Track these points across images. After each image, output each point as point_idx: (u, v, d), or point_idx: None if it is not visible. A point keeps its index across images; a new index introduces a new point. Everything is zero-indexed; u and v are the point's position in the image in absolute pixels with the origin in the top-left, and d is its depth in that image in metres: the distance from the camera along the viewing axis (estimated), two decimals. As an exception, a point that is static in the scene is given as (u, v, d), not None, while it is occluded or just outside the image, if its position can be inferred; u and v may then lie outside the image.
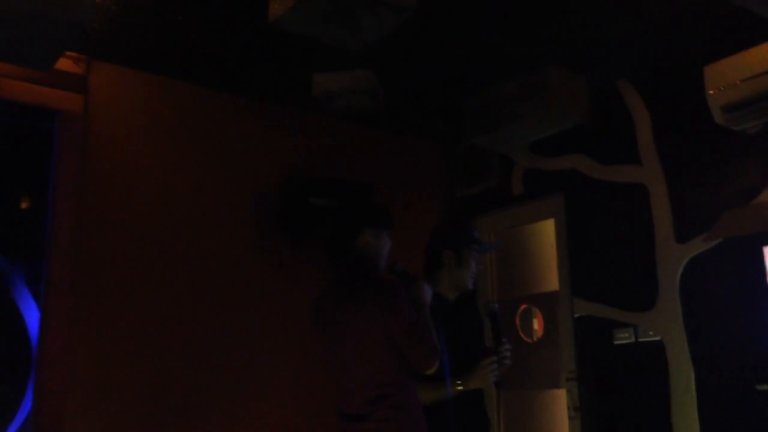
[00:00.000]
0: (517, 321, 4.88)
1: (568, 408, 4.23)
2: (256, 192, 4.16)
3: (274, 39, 3.53)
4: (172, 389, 3.71)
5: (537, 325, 5.01)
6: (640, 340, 3.93)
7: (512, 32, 3.58)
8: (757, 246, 3.42)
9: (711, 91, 3.50)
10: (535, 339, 4.85)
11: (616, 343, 4.03)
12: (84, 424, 3.44)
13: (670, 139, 3.94)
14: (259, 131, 4.24)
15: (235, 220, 4.08)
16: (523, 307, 4.96)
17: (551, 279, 4.63)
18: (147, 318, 3.70)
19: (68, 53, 3.55)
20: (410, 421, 2.50)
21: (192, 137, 4.02)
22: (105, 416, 3.50)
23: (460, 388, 2.66)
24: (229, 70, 3.92)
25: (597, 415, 4.08)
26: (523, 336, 4.85)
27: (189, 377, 3.77)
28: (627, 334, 3.99)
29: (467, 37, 3.62)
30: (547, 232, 4.68)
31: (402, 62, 3.86)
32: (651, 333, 3.88)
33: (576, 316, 4.24)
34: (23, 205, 4.01)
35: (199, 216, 3.97)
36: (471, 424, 2.76)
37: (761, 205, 3.50)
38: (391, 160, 4.77)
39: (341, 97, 3.65)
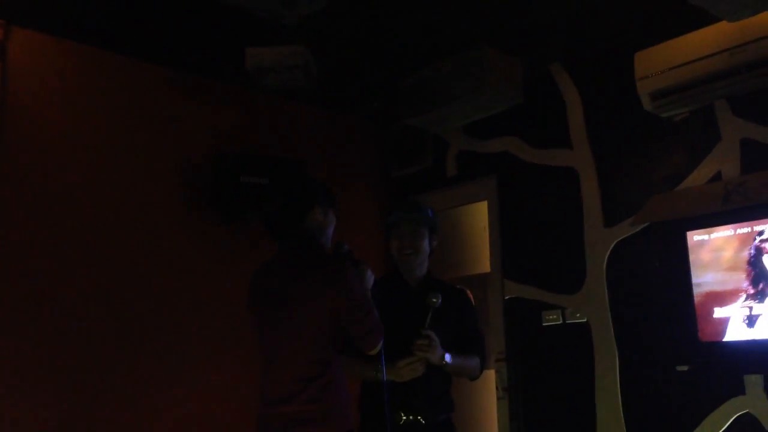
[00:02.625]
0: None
1: (497, 388, 4.29)
2: (185, 168, 4.05)
3: (206, 10, 3.42)
4: (96, 372, 3.59)
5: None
6: (567, 321, 4.00)
7: (448, 12, 3.56)
8: (681, 231, 3.50)
9: (640, 78, 3.55)
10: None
11: (544, 324, 4.09)
12: (4, 408, 3.30)
13: (601, 124, 3.99)
14: (189, 105, 4.12)
15: (163, 196, 3.96)
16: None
17: (483, 261, 4.67)
18: (68, 299, 3.56)
19: (-16, 17, 3.37)
20: (335, 402, 2.47)
21: (118, 110, 3.87)
22: (26, 401, 3.37)
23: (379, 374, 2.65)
24: (158, 41, 3.78)
25: (525, 394, 4.15)
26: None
27: (114, 360, 3.65)
28: (555, 316, 4.06)
29: (403, 15, 3.58)
30: (479, 214, 4.71)
31: (337, 38, 3.79)
32: (578, 315, 3.95)
33: (506, 297, 4.29)
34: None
35: (125, 192, 3.83)
36: (415, 403, 2.76)
37: (685, 191, 3.59)
38: (325, 139, 4.71)
39: (274, 73, 3.55)
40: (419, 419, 2.77)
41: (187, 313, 3.93)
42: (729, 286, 3.32)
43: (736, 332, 3.27)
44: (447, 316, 2.89)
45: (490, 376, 4.41)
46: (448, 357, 2.77)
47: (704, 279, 3.40)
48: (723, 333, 3.31)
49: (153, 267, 3.86)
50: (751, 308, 3.24)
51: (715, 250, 3.38)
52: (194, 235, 4.03)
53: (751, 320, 3.23)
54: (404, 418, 2.75)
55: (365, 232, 4.83)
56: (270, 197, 3.93)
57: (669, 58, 3.47)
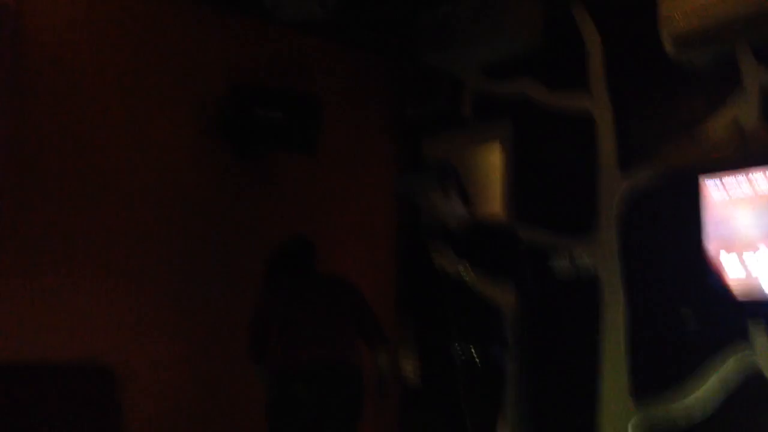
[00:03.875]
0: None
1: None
2: (200, 100, 4.04)
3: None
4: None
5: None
6: (577, 265, 4.01)
7: (470, -54, 3.49)
8: (696, 177, 3.48)
9: (664, 21, 3.48)
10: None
11: (553, 267, 4.10)
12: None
13: (620, 68, 3.92)
14: (204, 37, 4.08)
15: (176, 127, 3.96)
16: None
17: (494, 202, 4.66)
18: (81, 229, 3.61)
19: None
20: None
21: (133, 38, 3.85)
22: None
23: None
24: (173, -31, 3.73)
25: (531, 343, 4.19)
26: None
27: (122, 284, 3.71)
28: (565, 260, 4.06)
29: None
30: (492, 155, 4.69)
31: (355, -30, 3.73)
32: (588, 259, 3.95)
33: (516, 240, 4.29)
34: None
35: (138, 121, 3.84)
36: None
37: (702, 137, 3.55)
38: (340, 74, 4.67)
39: (291, 4, 3.52)
40: (471, 350, 2.98)
41: (198, 249, 3.96)
42: (742, 235, 3.31)
43: (743, 278, 3.28)
44: (480, 253, 3.07)
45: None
46: (466, 264, 3.01)
47: (716, 226, 3.39)
48: (730, 278, 3.32)
49: (166, 198, 3.89)
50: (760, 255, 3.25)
51: (731, 198, 3.37)
52: (207, 167, 4.05)
53: (758, 267, 3.24)
54: (459, 349, 2.98)
55: (379, 170, 4.84)
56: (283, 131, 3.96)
57: (694, 1, 3.39)
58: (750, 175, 3.31)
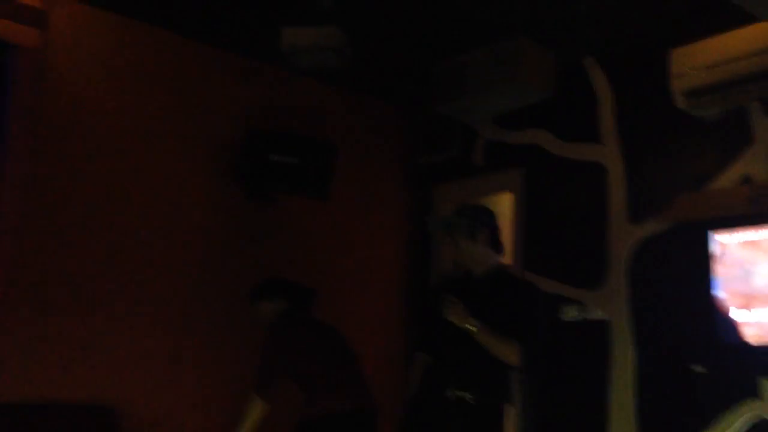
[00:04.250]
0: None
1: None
2: (215, 142, 4.11)
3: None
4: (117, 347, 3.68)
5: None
6: (586, 317, 3.99)
7: (485, 0, 3.56)
8: (705, 231, 3.48)
9: (675, 75, 3.53)
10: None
11: (563, 319, 4.09)
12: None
13: (631, 121, 3.97)
14: (222, 81, 4.17)
15: (192, 169, 4.03)
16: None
17: (505, 252, 4.66)
18: (96, 262, 3.65)
19: (28, -14, 3.44)
20: None
21: (152, 82, 3.94)
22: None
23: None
24: (195, 15, 3.83)
25: (539, 387, 4.15)
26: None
27: (132, 327, 3.73)
28: (574, 311, 4.05)
29: (440, 0, 3.58)
30: (503, 205, 4.71)
31: (371, 21, 3.81)
32: (598, 311, 3.94)
33: (526, 289, 4.28)
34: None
35: (156, 163, 3.91)
36: None
37: (711, 192, 3.57)
38: (354, 121, 4.74)
39: (308, 53, 3.59)
40: (466, 396, 2.93)
41: (211, 290, 3.99)
42: (750, 289, 3.30)
43: (754, 335, 3.26)
44: (500, 304, 3.01)
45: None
46: (477, 324, 2.89)
47: (726, 280, 3.38)
48: (741, 335, 3.30)
49: (177, 242, 3.93)
50: (772, 312, 3.23)
51: (741, 252, 3.36)
52: (221, 211, 4.09)
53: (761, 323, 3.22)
54: (455, 394, 2.94)
55: (389, 216, 4.87)
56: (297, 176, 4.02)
57: (706, 57, 3.44)
58: (760, 231, 3.31)
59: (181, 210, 3.96)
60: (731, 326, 3.33)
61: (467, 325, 2.90)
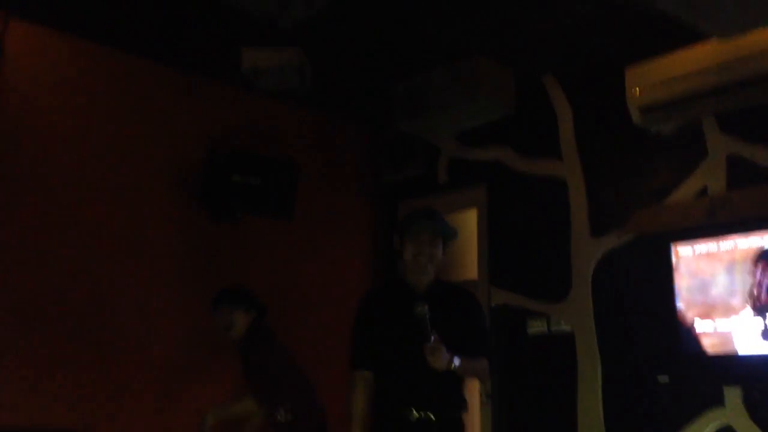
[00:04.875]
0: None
1: (481, 395, 4.31)
2: (177, 165, 4.07)
3: (203, 8, 3.44)
4: (75, 369, 3.60)
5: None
6: (552, 330, 4.03)
7: (444, 20, 3.60)
8: (666, 243, 3.54)
9: (631, 92, 3.60)
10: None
11: (529, 332, 4.12)
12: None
13: (590, 136, 4.04)
14: (183, 103, 4.14)
15: (154, 193, 3.98)
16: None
17: (471, 268, 4.69)
18: (54, 286, 3.58)
19: (-18, 8, 3.38)
20: None
21: (112, 105, 3.89)
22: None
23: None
24: (154, 38, 3.80)
25: (508, 401, 4.18)
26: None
27: (97, 356, 3.66)
28: (540, 324, 4.09)
29: (399, 21, 3.62)
30: (469, 221, 4.74)
31: (331, 42, 3.83)
32: (563, 324, 3.98)
33: (493, 305, 4.31)
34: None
35: (116, 186, 3.85)
36: None
37: (671, 205, 3.64)
38: (317, 141, 4.73)
39: (269, 74, 3.59)
40: (430, 416, 2.84)
41: (173, 312, 3.94)
42: (710, 299, 3.36)
43: (717, 344, 3.31)
44: (454, 319, 2.93)
45: (475, 382, 4.43)
46: (456, 361, 2.79)
47: (686, 291, 3.44)
48: (704, 344, 3.35)
49: (141, 263, 3.87)
50: (731, 321, 3.29)
51: (700, 263, 3.43)
52: (184, 232, 4.05)
53: (725, 332, 3.28)
54: (416, 415, 2.83)
55: (355, 235, 4.87)
56: (260, 196, 4.00)
57: (660, 74, 3.52)
58: (719, 243, 3.38)
59: (144, 231, 3.90)
60: (693, 336, 3.39)
61: (453, 366, 2.78)
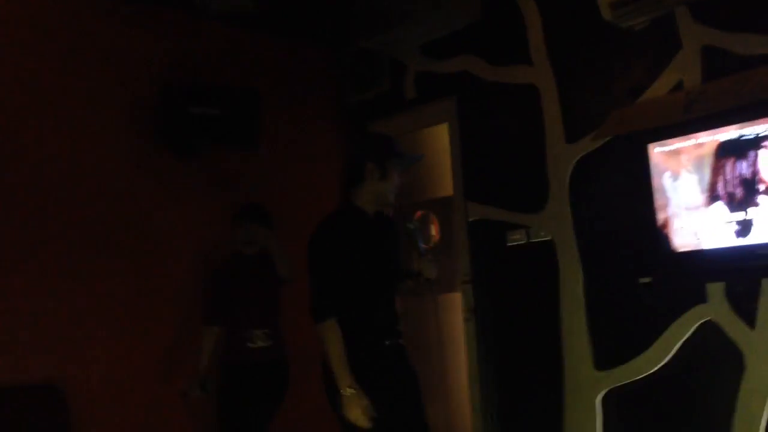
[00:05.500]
0: (415, 227, 4.86)
1: (463, 310, 4.29)
2: (131, 100, 3.88)
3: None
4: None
5: (434, 230, 5.02)
6: (532, 240, 3.98)
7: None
8: (643, 143, 3.45)
9: (599, -13, 3.44)
10: (432, 244, 4.86)
11: (509, 244, 4.07)
12: None
13: (561, 38, 3.88)
14: (132, 34, 3.91)
15: (109, 130, 3.81)
16: (419, 213, 4.94)
17: (446, 184, 4.60)
18: (13, 237, 3.43)
19: None
20: None
21: (58, 40, 3.68)
22: None
23: None
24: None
25: (491, 315, 4.16)
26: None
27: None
28: (519, 236, 4.03)
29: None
30: (440, 136, 4.62)
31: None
32: (542, 233, 3.92)
33: (470, 219, 4.24)
34: None
35: (68, 127, 3.67)
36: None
37: (646, 103, 3.52)
38: (277, 66, 4.54)
39: (219, -3, 3.38)
40: (400, 342, 2.88)
41: (145, 253, 3.82)
42: (689, 197, 3.30)
43: (696, 241, 3.27)
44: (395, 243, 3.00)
45: (457, 298, 4.42)
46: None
47: (665, 191, 3.37)
48: (684, 243, 3.31)
49: (101, 203, 3.72)
50: (709, 217, 3.24)
51: (677, 161, 3.35)
52: (144, 170, 3.89)
53: (703, 229, 3.23)
54: (388, 342, 2.83)
55: (323, 161, 4.73)
56: (222, 128, 3.84)
57: (628, -36, 3.34)
58: (697, 139, 3.29)
59: (100, 173, 3.73)
60: (673, 236, 3.34)
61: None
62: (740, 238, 3.15)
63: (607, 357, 3.62)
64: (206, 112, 3.81)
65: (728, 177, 3.20)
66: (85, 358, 3.58)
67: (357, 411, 2.61)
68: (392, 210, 3.07)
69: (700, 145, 3.28)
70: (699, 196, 3.27)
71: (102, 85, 3.78)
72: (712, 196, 3.23)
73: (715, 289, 3.27)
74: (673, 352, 3.38)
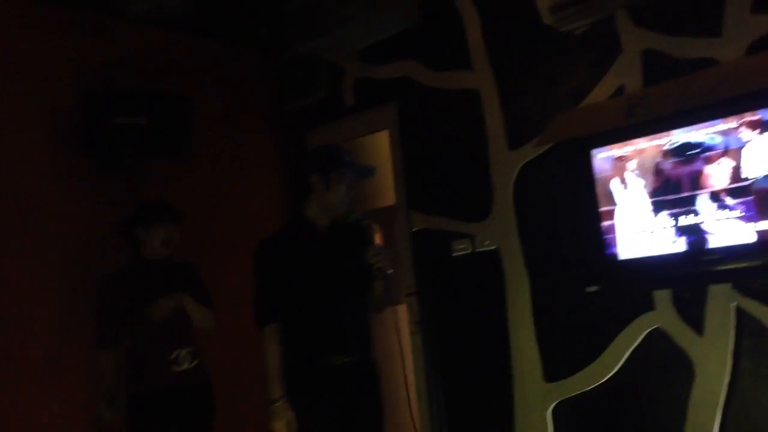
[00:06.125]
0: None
1: (409, 323, 4.16)
2: (48, 110, 3.61)
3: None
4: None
5: (378, 240, 4.87)
6: (477, 250, 3.88)
7: None
8: (586, 149, 3.39)
9: (539, -10, 3.37)
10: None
11: (454, 254, 3.96)
12: None
13: (500, 42, 3.80)
14: (51, 37, 3.65)
15: (25, 144, 3.53)
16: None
17: (387, 193, 4.47)
18: None
19: None
20: None
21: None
22: None
23: None
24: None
25: (438, 327, 4.04)
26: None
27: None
28: (464, 245, 3.93)
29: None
30: (381, 144, 4.48)
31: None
32: (487, 242, 3.83)
33: (414, 230, 4.12)
34: None
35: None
36: None
37: (588, 108, 3.46)
38: (209, 72, 4.32)
39: (142, -3, 3.18)
40: (354, 358, 2.80)
41: (56, 274, 3.55)
42: (634, 202, 3.24)
43: (642, 248, 3.22)
44: (353, 253, 2.87)
45: (403, 310, 4.28)
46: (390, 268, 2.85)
47: (610, 196, 3.31)
48: (630, 250, 3.25)
49: (17, 219, 3.45)
50: (654, 223, 3.19)
51: (621, 167, 3.29)
52: (64, 186, 3.62)
53: (649, 236, 3.18)
54: (341, 360, 2.76)
55: (260, 170, 4.55)
56: (149, 137, 3.61)
57: (567, -32, 3.28)
58: (640, 144, 3.24)
59: (17, 183, 3.46)
60: (619, 243, 3.28)
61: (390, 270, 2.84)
62: (686, 245, 3.11)
63: (556, 368, 3.55)
64: (132, 122, 3.58)
65: (672, 182, 3.16)
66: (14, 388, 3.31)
67: (280, 423, 2.64)
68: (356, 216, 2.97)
69: (643, 150, 3.24)
70: (643, 202, 3.23)
71: (17, 92, 3.51)
72: (657, 202, 3.19)
73: (663, 297, 3.22)
74: (623, 361, 3.32)
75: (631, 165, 3.27)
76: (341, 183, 2.84)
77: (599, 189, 3.35)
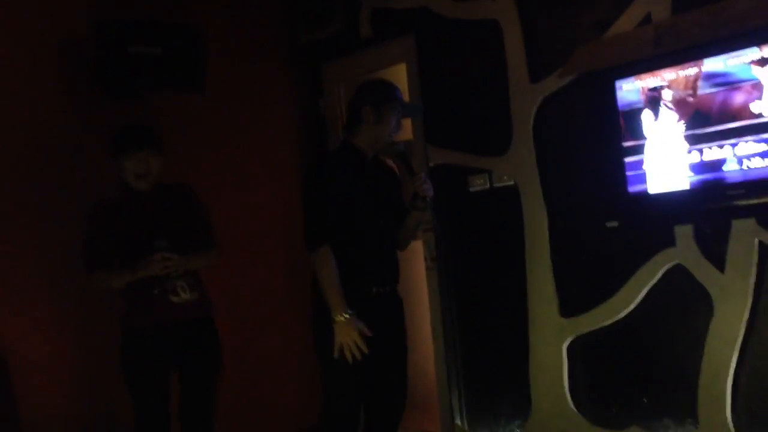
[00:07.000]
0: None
1: (425, 259, 4.15)
2: (62, 40, 3.56)
3: None
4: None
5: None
6: (495, 185, 3.82)
7: None
8: (610, 80, 3.29)
9: None
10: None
11: (471, 190, 3.91)
12: None
13: (524, -30, 3.66)
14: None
15: (40, 74, 3.49)
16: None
17: (404, 127, 4.39)
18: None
19: None
20: None
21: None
22: None
23: None
24: None
25: (454, 263, 4.02)
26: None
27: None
28: (482, 181, 3.88)
29: None
30: (398, 78, 4.39)
31: None
32: (505, 178, 3.77)
33: (431, 165, 4.06)
34: None
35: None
36: None
37: (613, 38, 3.35)
38: (224, 2, 4.22)
39: None
40: (388, 290, 2.93)
41: (69, 205, 3.54)
42: (658, 136, 3.16)
43: (664, 183, 3.15)
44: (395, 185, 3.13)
45: (419, 246, 4.26)
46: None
47: (633, 129, 3.23)
48: (652, 185, 3.18)
49: (29, 153, 3.44)
50: (677, 157, 3.11)
51: (646, 99, 3.20)
52: (79, 116, 3.59)
53: (672, 170, 3.11)
54: (375, 290, 2.87)
55: (276, 103, 4.49)
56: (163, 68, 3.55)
57: None
58: (668, 74, 3.14)
59: (29, 115, 3.43)
60: (640, 178, 3.21)
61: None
62: (709, 178, 3.03)
63: (573, 304, 3.52)
64: (146, 51, 3.51)
65: (700, 115, 3.06)
66: (22, 321, 3.34)
67: (353, 334, 2.67)
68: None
69: (670, 81, 3.13)
70: (667, 135, 3.14)
71: (29, 21, 3.46)
72: (682, 135, 3.10)
73: (684, 232, 3.17)
74: (641, 297, 3.29)
75: (657, 96, 3.17)
76: (391, 116, 2.93)
77: (622, 122, 3.26)
